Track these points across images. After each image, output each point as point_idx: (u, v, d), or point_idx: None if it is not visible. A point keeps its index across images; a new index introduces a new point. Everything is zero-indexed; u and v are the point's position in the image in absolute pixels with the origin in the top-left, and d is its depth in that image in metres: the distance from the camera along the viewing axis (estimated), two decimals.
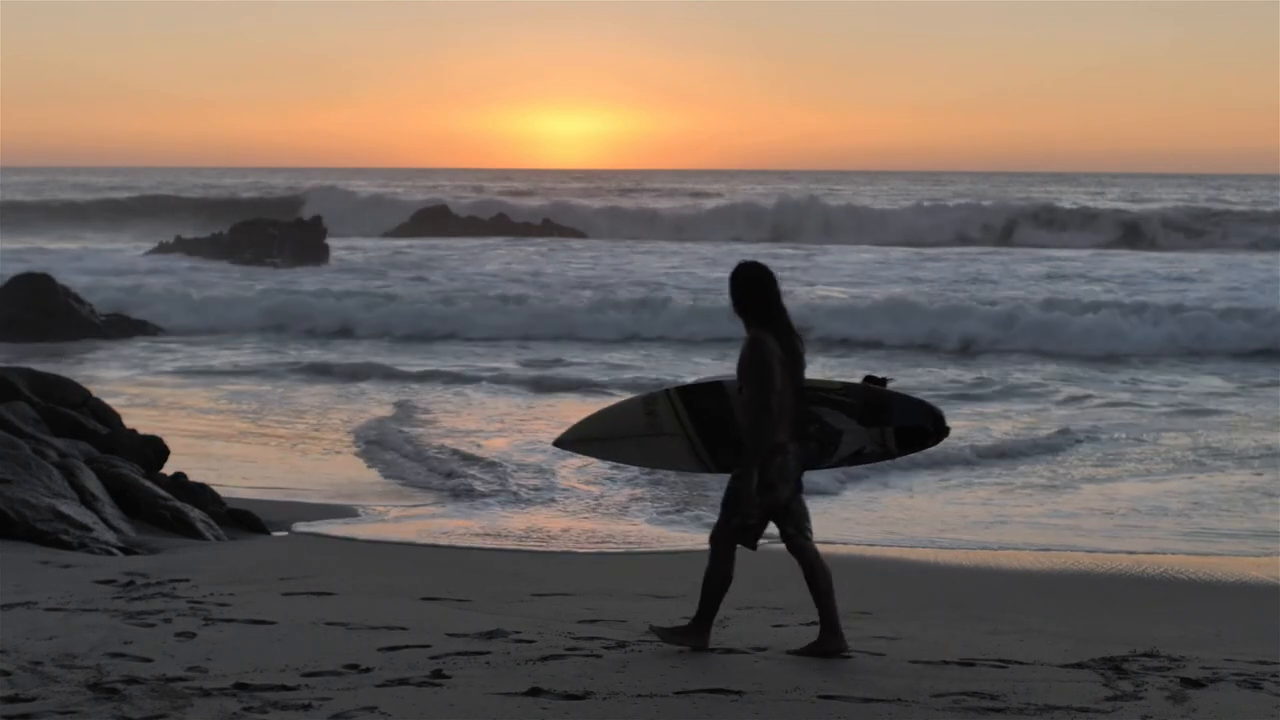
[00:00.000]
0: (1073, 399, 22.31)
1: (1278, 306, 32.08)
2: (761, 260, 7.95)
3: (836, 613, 7.77)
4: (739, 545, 7.73)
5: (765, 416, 7.58)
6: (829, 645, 7.75)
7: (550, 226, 66.09)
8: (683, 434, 8.13)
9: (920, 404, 8.14)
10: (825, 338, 29.55)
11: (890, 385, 8.08)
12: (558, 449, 8.83)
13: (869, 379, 8.07)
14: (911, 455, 9.29)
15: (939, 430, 8.04)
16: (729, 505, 7.70)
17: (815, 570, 7.73)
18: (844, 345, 29.90)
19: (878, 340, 30.35)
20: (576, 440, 8.53)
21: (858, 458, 8.09)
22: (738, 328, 7.86)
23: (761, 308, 7.72)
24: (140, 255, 49.29)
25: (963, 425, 18.20)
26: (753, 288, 7.74)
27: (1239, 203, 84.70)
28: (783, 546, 7.88)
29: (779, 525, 7.76)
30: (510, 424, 19.57)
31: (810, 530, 7.79)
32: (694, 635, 7.82)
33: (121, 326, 30.93)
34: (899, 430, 7.98)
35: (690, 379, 21.35)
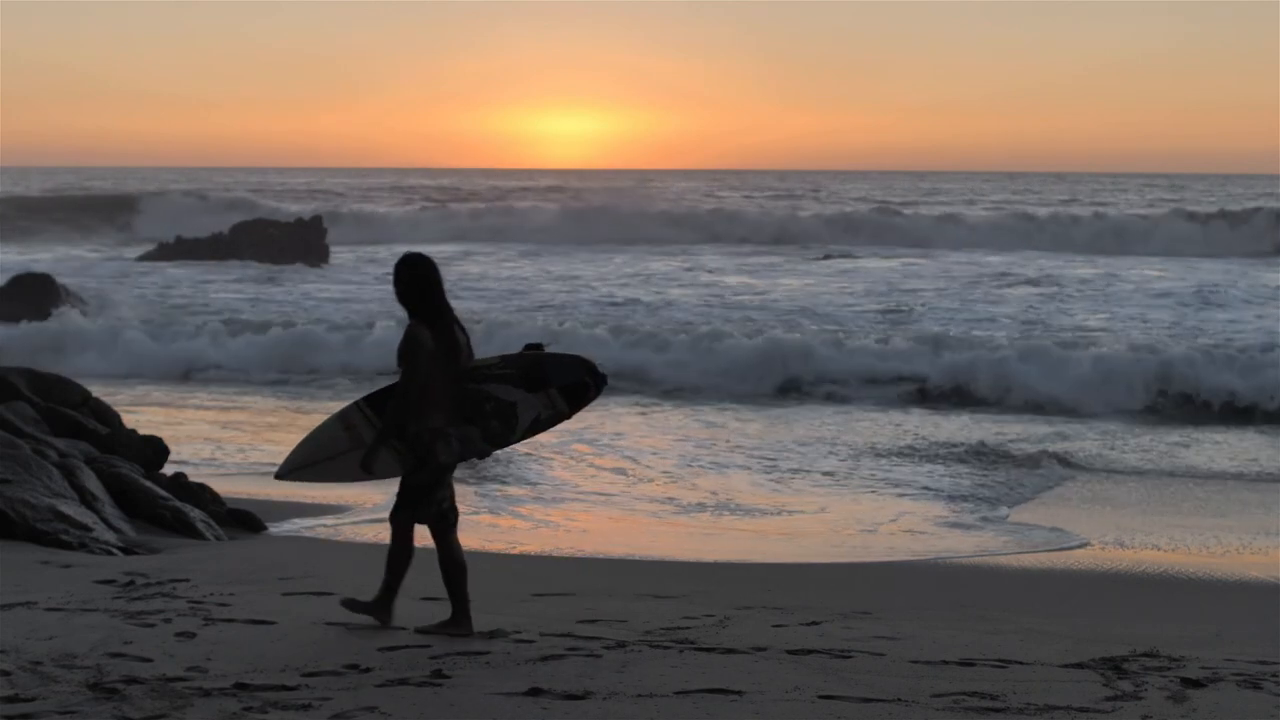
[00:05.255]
0: None
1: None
2: (428, 253, 8.16)
3: (468, 598, 8.11)
4: (416, 523, 8.09)
5: (404, 400, 7.88)
6: (460, 628, 8.07)
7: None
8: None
9: (573, 359, 8.38)
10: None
11: (549, 349, 8.31)
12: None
13: (527, 346, 8.28)
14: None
15: (598, 381, 8.28)
16: (404, 489, 8.03)
17: (452, 557, 8.10)
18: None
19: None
20: (292, 470, 8.64)
21: (537, 425, 8.28)
22: None
23: (422, 298, 7.94)
24: (139, 256, 49.18)
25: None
26: (413, 279, 7.96)
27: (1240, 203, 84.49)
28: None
29: (427, 508, 8.04)
30: None
31: (455, 517, 8.13)
32: (377, 610, 8.20)
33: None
34: (562, 389, 8.20)
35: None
